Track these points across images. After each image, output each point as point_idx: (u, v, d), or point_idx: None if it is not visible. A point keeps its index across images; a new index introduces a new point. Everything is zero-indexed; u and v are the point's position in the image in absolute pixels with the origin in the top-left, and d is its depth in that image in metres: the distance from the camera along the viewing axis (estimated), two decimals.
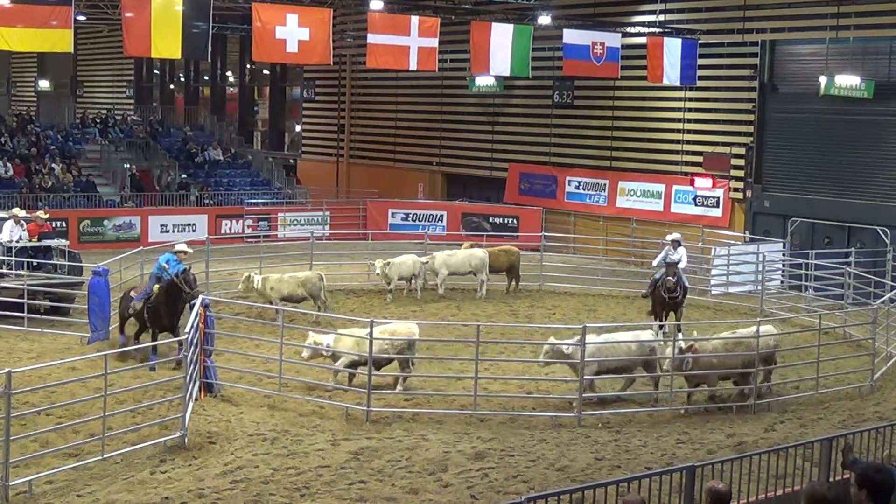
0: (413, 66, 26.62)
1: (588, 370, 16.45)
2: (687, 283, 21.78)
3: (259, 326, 20.82)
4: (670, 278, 21.12)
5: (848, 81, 27.34)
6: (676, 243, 21.80)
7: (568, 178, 34.93)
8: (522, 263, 26.95)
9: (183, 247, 19.46)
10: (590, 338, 16.70)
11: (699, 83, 30.64)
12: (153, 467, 13.28)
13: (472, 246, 26.66)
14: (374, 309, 23.39)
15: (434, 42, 26.39)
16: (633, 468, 13.46)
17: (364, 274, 26.87)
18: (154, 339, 18.45)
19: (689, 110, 32.13)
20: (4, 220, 22.73)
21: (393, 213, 36.49)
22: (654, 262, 21.98)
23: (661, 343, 17.41)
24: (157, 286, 18.47)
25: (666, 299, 21.33)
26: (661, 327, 20.80)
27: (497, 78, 34.51)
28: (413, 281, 25.47)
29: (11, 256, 21.90)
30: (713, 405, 16.98)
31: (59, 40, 22.78)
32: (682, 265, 21.65)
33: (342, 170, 42.90)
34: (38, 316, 21.42)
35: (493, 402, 16.67)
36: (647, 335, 17.41)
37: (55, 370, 16.55)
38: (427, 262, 25.47)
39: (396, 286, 25.15)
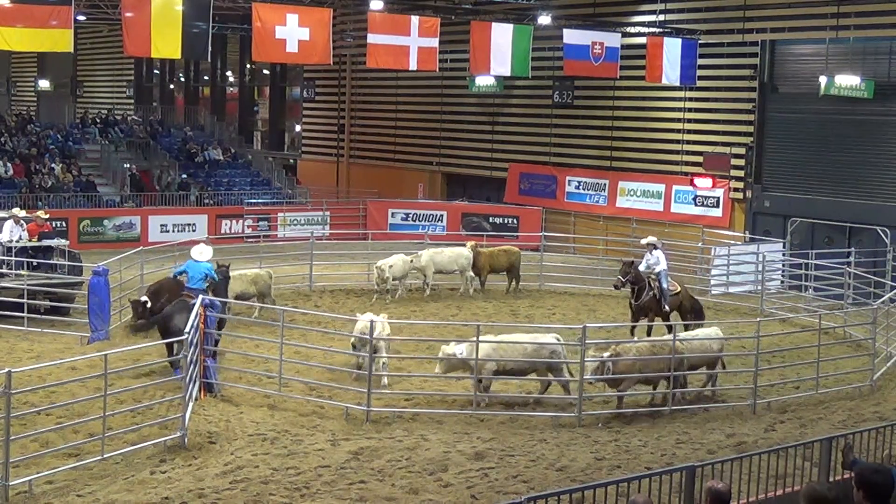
0: (413, 66, 26.63)
1: (486, 369, 16.33)
2: (664, 285, 20.82)
3: (259, 326, 20.82)
4: (620, 277, 20.70)
5: (848, 81, 27.34)
6: (652, 247, 21.22)
7: (568, 178, 34.94)
8: (522, 263, 26.97)
9: (204, 253, 19.02)
10: (487, 338, 16.71)
11: (699, 83, 30.66)
12: (153, 467, 13.28)
13: (474, 246, 26.68)
14: (373, 309, 23.33)
15: (434, 42, 26.40)
16: (633, 468, 13.46)
17: (364, 274, 26.85)
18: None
19: (689, 110, 32.14)
20: (4, 220, 22.73)
21: (393, 213, 36.50)
22: (641, 268, 21.25)
23: (563, 346, 16.88)
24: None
25: (631, 304, 20.91)
26: (668, 328, 20.53)
27: (497, 78, 34.51)
28: (400, 281, 25.44)
29: (11, 256, 21.91)
30: (712, 405, 16.98)
31: (59, 40, 22.79)
32: (658, 269, 20.96)
33: (342, 170, 42.90)
34: (38, 316, 21.41)
35: (493, 403, 16.66)
36: (547, 338, 16.93)
37: (55, 370, 16.54)
38: (413, 261, 25.47)
39: (392, 286, 25.17)
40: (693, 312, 21.28)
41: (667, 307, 20.86)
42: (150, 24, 22.72)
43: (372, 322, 16.48)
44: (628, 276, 20.63)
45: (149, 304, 19.88)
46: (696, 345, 17.15)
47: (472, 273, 26.23)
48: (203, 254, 18.80)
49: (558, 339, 16.91)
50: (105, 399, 13.63)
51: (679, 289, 21.31)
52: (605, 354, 16.12)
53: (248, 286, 22.59)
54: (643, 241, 21.73)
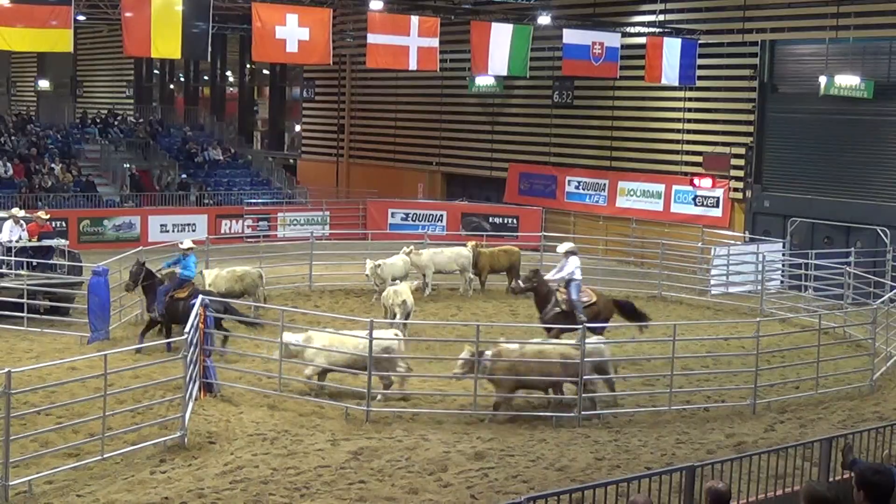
0: (413, 66, 26.61)
1: (316, 364, 16.31)
2: (573, 297, 19.17)
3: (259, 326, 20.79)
4: (519, 282, 19.45)
5: (848, 81, 27.34)
6: (570, 254, 19.69)
7: (568, 178, 34.94)
8: (522, 263, 26.96)
9: (189, 243, 20.52)
10: (324, 331, 16.88)
11: (699, 83, 30.65)
12: (153, 467, 13.28)
13: (476, 246, 26.69)
14: (374, 309, 23.35)
15: (434, 42, 26.39)
16: (633, 468, 13.46)
17: (363, 274, 26.83)
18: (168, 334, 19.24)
19: (689, 110, 32.14)
20: (4, 220, 22.73)
21: (393, 213, 36.50)
22: (554, 276, 19.78)
23: (398, 344, 16.75)
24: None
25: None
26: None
27: (497, 78, 34.51)
28: (401, 281, 25.44)
29: (11, 256, 21.90)
30: (712, 405, 16.98)
31: (59, 40, 22.77)
32: (559, 276, 19.52)
33: (342, 170, 42.90)
34: (38, 316, 21.41)
35: (494, 402, 16.64)
36: (383, 334, 16.85)
37: (55, 370, 16.54)
38: (412, 253, 25.46)
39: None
40: (631, 316, 19.52)
41: (582, 317, 18.85)
42: (150, 24, 22.70)
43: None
44: (528, 284, 19.38)
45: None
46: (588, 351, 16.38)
47: (472, 274, 26.26)
48: (186, 242, 20.40)
49: (397, 335, 16.95)
50: (105, 399, 13.63)
51: (595, 298, 19.71)
52: (488, 353, 15.98)
53: (234, 283, 22.52)
54: (560, 249, 20.22)
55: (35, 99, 59.00)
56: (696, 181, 31.39)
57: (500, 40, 27.40)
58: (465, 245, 27.07)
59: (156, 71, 53.97)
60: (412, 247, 25.98)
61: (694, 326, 21.72)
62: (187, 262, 19.98)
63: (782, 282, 27.45)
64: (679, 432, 15.51)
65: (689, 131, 32.20)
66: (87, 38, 49.78)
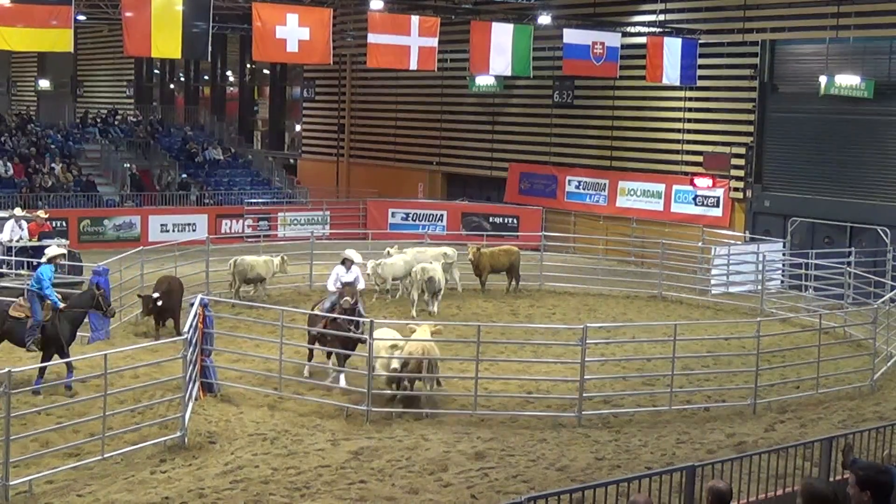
0: (413, 65, 26.60)
1: None
2: (360, 307, 18.11)
3: (259, 326, 20.79)
4: (347, 298, 17.47)
5: (848, 81, 27.35)
6: (350, 262, 19.11)
7: (568, 178, 34.94)
8: (522, 263, 26.96)
9: (56, 250, 17.85)
10: None
11: (699, 83, 30.65)
12: (153, 467, 13.28)
13: (476, 250, 26.62)
14: (373, 308, 23.35)
15: (434, 42, 26.38)
16: (633, 468, 13.47)
17: (364, 274, 26.80)
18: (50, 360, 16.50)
19: (689, 110, 32.13)
20: (4, 220, 22.73)
21: (393, 213, 36.49)
22: (329, 285, 19.08)
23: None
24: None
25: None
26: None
27: (497, 78, 34.51)
28: (401, 281, 25.44)
29: (11, 256, 21.90)
30: (713, 405, 16.99)
31: (59, 40, 22.76)
32: (362, 286, 19.13)
33: (342, 170, 42.90)
34: None
35: (493, 402, 16.67)
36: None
37: (56, 369, 16.53)
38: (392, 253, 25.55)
39: (392, 286, 25.15)
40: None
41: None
42: (150, 24, 22.68)
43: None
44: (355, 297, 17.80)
45: (160, 302, 20.03)
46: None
47: (453, 276, 25.90)
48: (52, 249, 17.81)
49: None
50: (105, 399, 13.63)
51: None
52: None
53: None
54: (357, 259, 19.38)
55: (35, 99, 58.99)
56: (695, 181, 31.40)
57: (501, 40, 27.39)
58: (452, 245, 26.94)
59: (156, 71, 53.96)
60: (395, 246, 26.01)
61: (694, 326, 21.74)
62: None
63: (783, 282, 27.45)
64: (679, 432, 15.51)
65: (689, 131, 32.19)
66: (87, 38, 49.78)
